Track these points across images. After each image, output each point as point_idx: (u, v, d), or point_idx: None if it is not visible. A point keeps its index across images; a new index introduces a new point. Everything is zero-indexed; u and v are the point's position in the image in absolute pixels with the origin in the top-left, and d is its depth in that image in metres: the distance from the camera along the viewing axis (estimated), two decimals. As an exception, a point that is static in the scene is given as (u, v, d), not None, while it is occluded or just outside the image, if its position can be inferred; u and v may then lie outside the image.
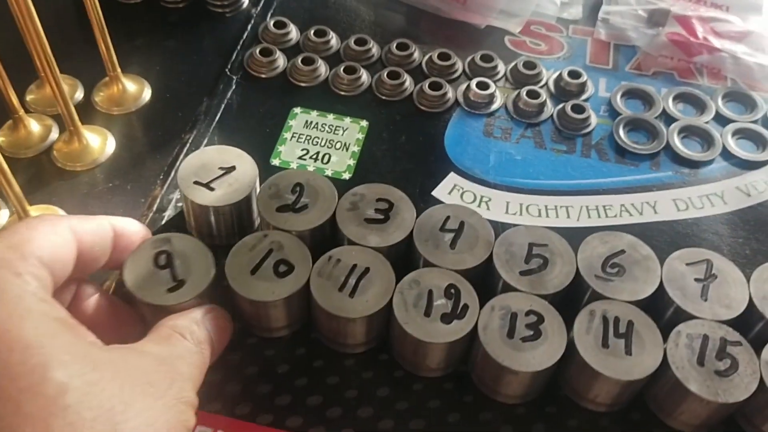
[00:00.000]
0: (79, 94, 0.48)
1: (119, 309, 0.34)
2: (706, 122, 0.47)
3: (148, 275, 0.34)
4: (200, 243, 0.35)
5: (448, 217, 0.38)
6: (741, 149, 0.46)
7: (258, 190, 0.39)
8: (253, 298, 0.34)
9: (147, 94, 0.48)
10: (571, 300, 0.36)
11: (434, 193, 0.43)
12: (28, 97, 0.47)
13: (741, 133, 0.47)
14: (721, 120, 0.48)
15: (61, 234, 0.29)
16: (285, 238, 0.36)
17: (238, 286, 0.35)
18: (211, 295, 0.34)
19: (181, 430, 0.26)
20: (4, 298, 0.25)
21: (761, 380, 0.33)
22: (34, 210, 0.40)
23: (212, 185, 0.38)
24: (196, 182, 0.38)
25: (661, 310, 0.36)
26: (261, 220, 0.39)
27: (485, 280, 0.37)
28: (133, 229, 0.34)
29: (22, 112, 0.45)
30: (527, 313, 0.34)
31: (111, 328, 0.32)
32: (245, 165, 0.39)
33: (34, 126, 0.45)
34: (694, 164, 0.45)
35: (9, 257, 0.26)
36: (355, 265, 0.36)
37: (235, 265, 0.35)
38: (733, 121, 0.47)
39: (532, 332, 0.34)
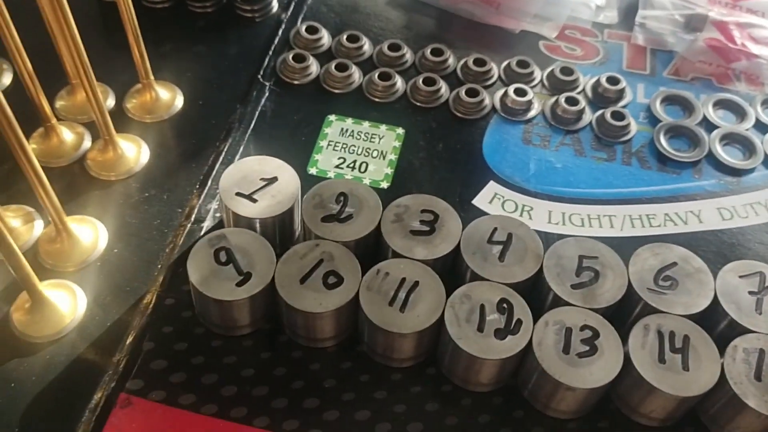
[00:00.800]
0: (111, 101, 0.47)
1: None
2: (747, 129, 0.47)
3: (212, 272, 0.34)
4: (255, 234, 0.36)
5: (495, 229, 0.37)
6: (783, 156, 0.46)
7: (300, 201, 0.39)
8: (300, 308, 0.34)
9: (179, 101, 0.47)
10: (622, 313, 0.36)
11: (475, 201, 0.43)
12: (58, 104, 0.47)
13: (782, 141, 0.46)
14: (761, 127, 0.47)
15: None
16: (336, 248, 0.36)
17: (287, 294, 0.34)
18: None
19: None
20: None
21: (821, 396, 0.32)
22: (71, 220, 0.40)
23: (255, 196, 0.38)
24: (238, 194, 0.38)
25: (715, 323, 0.35)
26: (304, 231, 0.38)
27: (534, 294, 0.37)
28: None
29: (54, 120, 0.44)
30: (582, 328, 0.34)
31: None
32: (287, 175, 0.39)
33: (66, 134, 0.44)
34: (736, 172, 0.45)
35: None
36: (404, 279, 0.35)
37: (285, 273, 0.35)
38: (774, 128, 0.47)
39: (588, 347, 0.33)
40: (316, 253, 0.36)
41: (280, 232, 0.39)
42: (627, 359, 0.33)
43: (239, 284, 0.34)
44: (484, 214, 0.42)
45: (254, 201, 0.38)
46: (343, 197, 0.38)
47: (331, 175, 0.44)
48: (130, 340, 0.37)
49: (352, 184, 0.39)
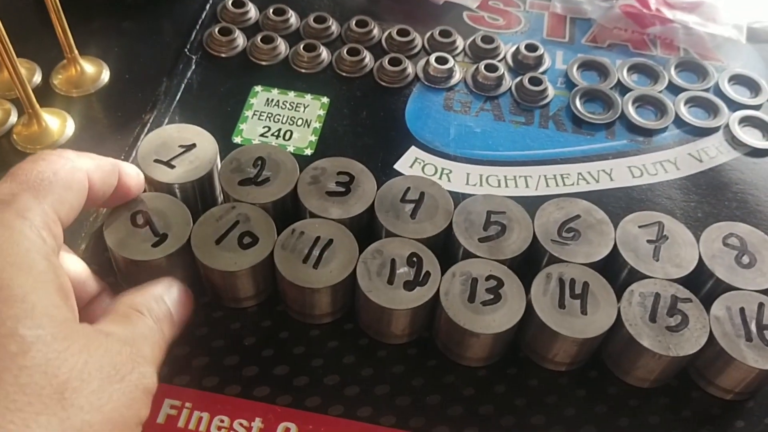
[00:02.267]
0: (37, 78, 0.47)
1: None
2: (660, 91, 0.49)
3: (128, 234, 0.35)
4: (173, 198, 0.37)
5: (408, 188, 0.39)
6: (693, 117, 0.47)
7: (219, 166, 0.40)
8: (215, 267, 0.35)
9: (106, 75, 0.48)
10: (529, 264, 0.37)
11: (396, 166, 0.44)
12: (-16, 82, 0.47)
13: (693, 102, 0.48)
14: (674, 89, 0.49)
15: (79, 182, 0.29)
16: (252, 210, 0.37)
17: (203, 255, 0.35)
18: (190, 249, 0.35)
19: (132, 419, 0.26)
20: (10, 245, 0.25)
21: (710, 334, 0.34)
22: (-7, 193, 0.40)
23: (173, 163, 0.38)
24: (156, 160, 0.38)
25: (616, 271, 0.37)
26: (224, 196, 0.39)
27: (446, 249, 0.38)
28: (132, 173, 0.35)
29: (-22, 96, 0.44)
30: (487, 278, 0.35)
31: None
32: (205, 142, 0.40)
33: (-9, 110, 0.45)
34: (648, 132, 0.47)
35: (25, 203, 0.26)
36: (318, 237, 0.36)
37: (201, 235, 0.36)
38: (686, 90, 0.49)
39: (492, 296, 0.35)
40: (232, 215, 0.37)
41: (200, 197, 0.39)
42: (530, 306, 0.35)
43: (155, 245, 0.35)
44: (405, 177, 0.43)
45: (172, 167, 0.38)
46: (260, 161, 0.39)
47: (255, 143, 0.45)
48: (53, 306, 0.37)
49: (270, 148, 0.40)
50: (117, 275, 0.38)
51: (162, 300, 0.32)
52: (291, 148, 0.44)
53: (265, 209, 0.37)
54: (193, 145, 0.39)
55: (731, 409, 0.36)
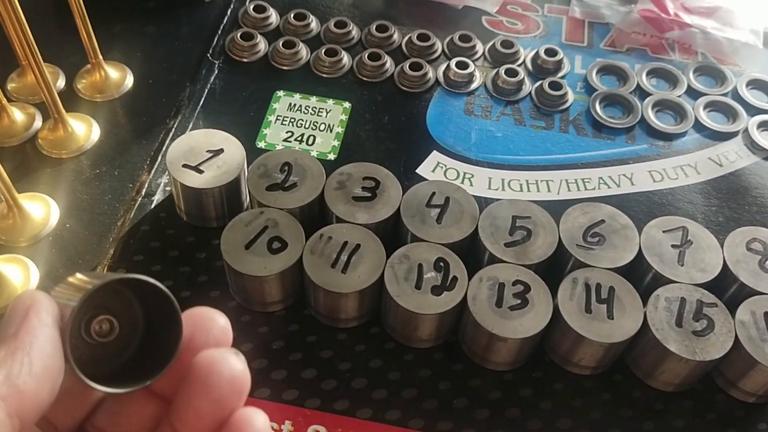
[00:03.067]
0: (61, 82, 0.48)
1: None
2: (679, 96, 0.49)
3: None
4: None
5: (433, 193, 0.39)
6: (712, 121, 0.48)
7: (246, 171, 0.40)
8: (245, 272, 0.35)
9: (129, 80, 0.48)
10: (554, 269, 0.38)
11: (418, 171, 0.44)
12: (9, 86, 0.47)
13: (712, 106, 0.49)
14: (693, 93, 0.49)
15: None
16: (280, 215, 0.37)
17: (232, 260, 0.35)
18: None
19: None
20: None
21: (736, 338, 0.34)
22: (23, 197, 0.40)
23: (201, 168, 0.39)
24: (185, 165, 0.39)
25: (641, 275, 0.37)
26: (251, 200, 0.40)
27: (471, 253, 0.38)
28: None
29: (4, 101, 0.45)
30: (514, 283, 0.36)
31: None
32: (233, 147, 0.40)
33: (17, 115, 0.45)
34: (668, 137, 0.47)
35: None
36: (346, 242, 0.37)
37: (230, 240, 0.36)
38: (705, 95, 0.49)
39: (519, 301, 0.35)
40: (261, 221, 0.37)
41: (227, 203, 0.40)
42: (556, 311, 0.35)
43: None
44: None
45: (201, 172, 0.39)
46: (287, 167, 0.39)
47: (279, 147, 0.45)
48: (82, 310, 0.38)
49: (296, 153, 0.40)
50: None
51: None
52: (314, 153, 0.45)
53: (293, 214, 0.38)
54: (221, 150, 0.40)
55: (754, 412, 0.36)
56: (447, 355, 0.37)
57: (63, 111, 0.44)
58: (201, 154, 0.39)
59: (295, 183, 0.39)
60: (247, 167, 0.40)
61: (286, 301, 0.38)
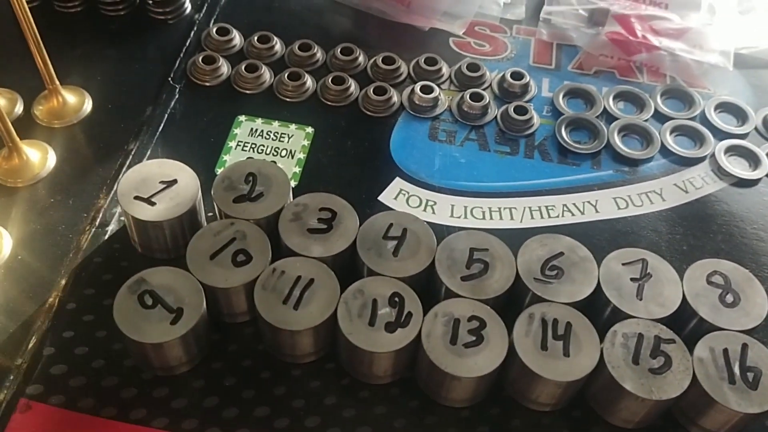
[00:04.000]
0: (19, 108, 0.47)
1: None
2: (646, 120, 0.48)
3: (142, 319, 0.34)
4: (172, 269, 0.36)
5: (391, 225, 0.38)
6: (679, 146, 0.47)
7: (202, 202, 0.39)
8: (207, 283, 0.35)
9: (88, 105, 0.47)
10: (512, 303, 0.37)
11: (381, 198, 0.44)
12: (-35, 112, 0.46)
13: (679, 130, 0.48)
14: (660, 117, 0.49)
15: None
16: (249, 228, 0.37)
17: (195, 268, 0.35)
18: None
19: None
20: None
21: (693, 376, 0.34)
22: (-28, 229, 0.40)
23: (153, 200, 0.38)
24: (136, 197, 0.38)
25: (599, 310, 0.37)
26: (219, 215, 0.39)
27: (428, 287, 0.38)
28: None
29: (-42, 128, 0.44)
30: (469, 319, 0.35)
31: None
32: (187, 178, 0.39)
33: (-29, 142, 0.44)
34: (633, 162, 0.46)
35: None
36: (299, 277, 0.36)
37: (197, 249, 0.36)
38: (672, 119, 0.49)
39: (474, 338, 0.34)
40: (230, 232, 0.37)
41: (182, 234, 0.39)
42: (512, 348, 0.34)
43: (173, 323, 0.34)
44: (390, 209, 0.43)
45: (153, 204, 0.38)
46: (251, 177, 0.39)
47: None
48: (32, 344, 0.37)
49: (259, 163, 0.40)
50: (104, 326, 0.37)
51: None
52: (274, 180, 0.44)
53: (262, 225, 0.37)
54: (175, 181, 0.39)
55: (716, 449, 0.36)
56: (403, 390, 0.36)
57: (17, 139, 0.43)
58: (154, 185, 0.39)
59: (262, 192, 0.39)
60: (203, 196, 0.39)
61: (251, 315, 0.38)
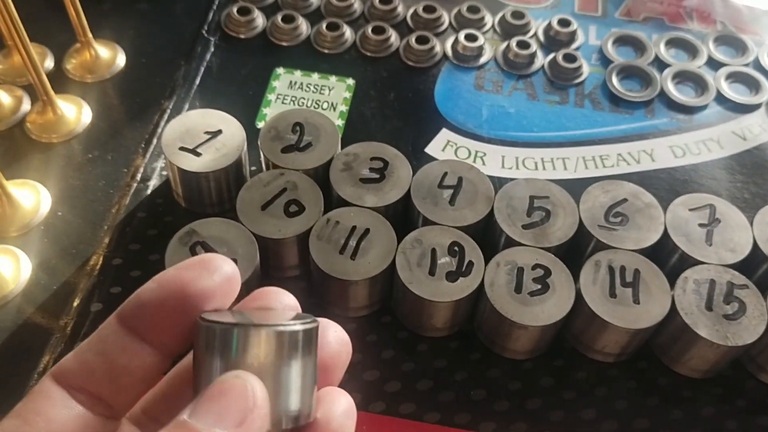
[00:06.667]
0: (50, 63, 0.45)
1: None
2: (699, 67, 0.47)
3: None
4: (223, 220, 0.34)
5: (445, 173, 0.37)
6: (735, 93, 0.45)
7: (247, 153, 0.38)
8: (259, 234, 0.34)
9: (121, 60, 0.46)
10: (575, 251, 0.36)
11: (427, 150, 0.42)
12: (-5, 68, 0.45)
13: (734, 77, 0.46)
14: (714, 64, 0.47)
15: None
16: (300, 179, 0.36)
17: (247, 219, 0.34)
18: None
19: None
20: None
21: (769, 322, 0.32)
22: (11, 185, 0.38)
23: (199, 150, 0.37)
24: (182, 148, 0.37)
25: (666, 257, 0.35)
26: (267, 165, 0.38)
27: (486, 236, 0.36)
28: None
29: (-10, 83, 0.42)
30: (534, 267, 0.34)
31: None
32: (232, 128, 0.38)
33: (4, 98, 0.43)
34: (689, 110, 0.45)
35: None
36: (354, 227, 0.35)
37: (247, 199, 0.35)
38: (726, 65, 0.47)
39: (539, 286, 0.33)
40: (280, 182, 0.36)
41: (227, 187, 0.38)
42: (579, 296, 0.33)
43: None
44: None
45: (198, 155, 0.37)
46: (299, 127, 0.38)
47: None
48: (77, 302, 0.36)
49: (306, 112, 0.39)
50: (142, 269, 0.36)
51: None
52: (318, 133, 0.42)
53: (312, 175, 0.36)
54: (220, 131, 0.37)
55: (787, 398, 0.35)
56: (462, 343, 0.35)
57: (52, 93, 0.41)
58: (198, 136, 0.37)
59: (310, 142, 0.37)
60: (248, 148, 0.38)
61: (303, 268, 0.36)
